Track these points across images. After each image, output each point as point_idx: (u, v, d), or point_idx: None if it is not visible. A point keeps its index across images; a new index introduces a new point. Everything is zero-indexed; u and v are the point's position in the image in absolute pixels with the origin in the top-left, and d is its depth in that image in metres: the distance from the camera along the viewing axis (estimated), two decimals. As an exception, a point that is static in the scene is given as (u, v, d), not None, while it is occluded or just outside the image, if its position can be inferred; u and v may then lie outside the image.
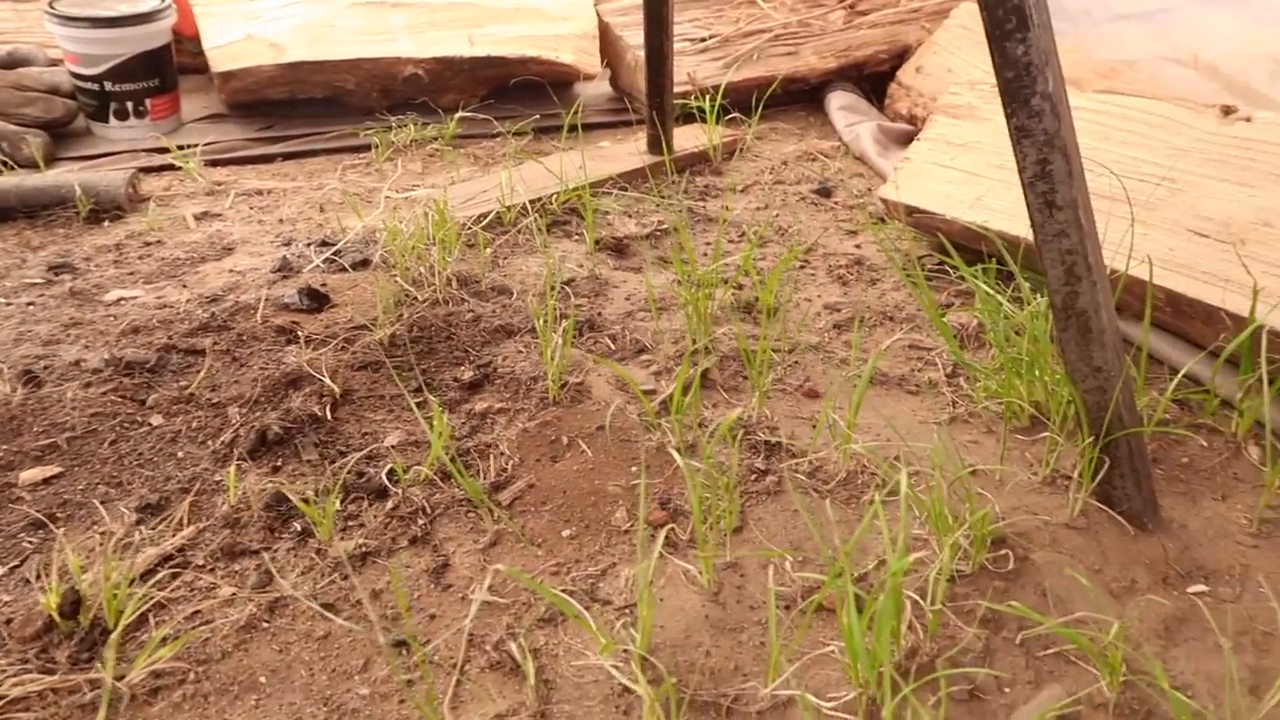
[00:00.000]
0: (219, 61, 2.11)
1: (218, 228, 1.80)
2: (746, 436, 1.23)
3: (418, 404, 1.28)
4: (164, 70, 2.15)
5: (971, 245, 1.58)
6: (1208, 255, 1.29)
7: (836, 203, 1.98)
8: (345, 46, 2.17)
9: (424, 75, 2.20)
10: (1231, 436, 1.23)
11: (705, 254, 1.74)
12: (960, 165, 1.66)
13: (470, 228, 1.74)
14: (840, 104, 2.33)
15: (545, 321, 1.40)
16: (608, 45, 2.38)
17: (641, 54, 2.33)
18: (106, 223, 1.80)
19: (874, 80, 2.47)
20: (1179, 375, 1.22)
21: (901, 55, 2.43)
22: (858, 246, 1.80)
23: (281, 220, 1.84)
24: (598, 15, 2.38)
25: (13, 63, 2.20)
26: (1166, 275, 1.31)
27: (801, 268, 1.72)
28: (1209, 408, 1.24)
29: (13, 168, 1.95)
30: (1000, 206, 1.56)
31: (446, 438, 1.18)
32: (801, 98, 2.44)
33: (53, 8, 2.07)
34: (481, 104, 2.33)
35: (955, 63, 2.29)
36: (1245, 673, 0.89)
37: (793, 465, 1.18)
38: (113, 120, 2.13)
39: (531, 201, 1.80)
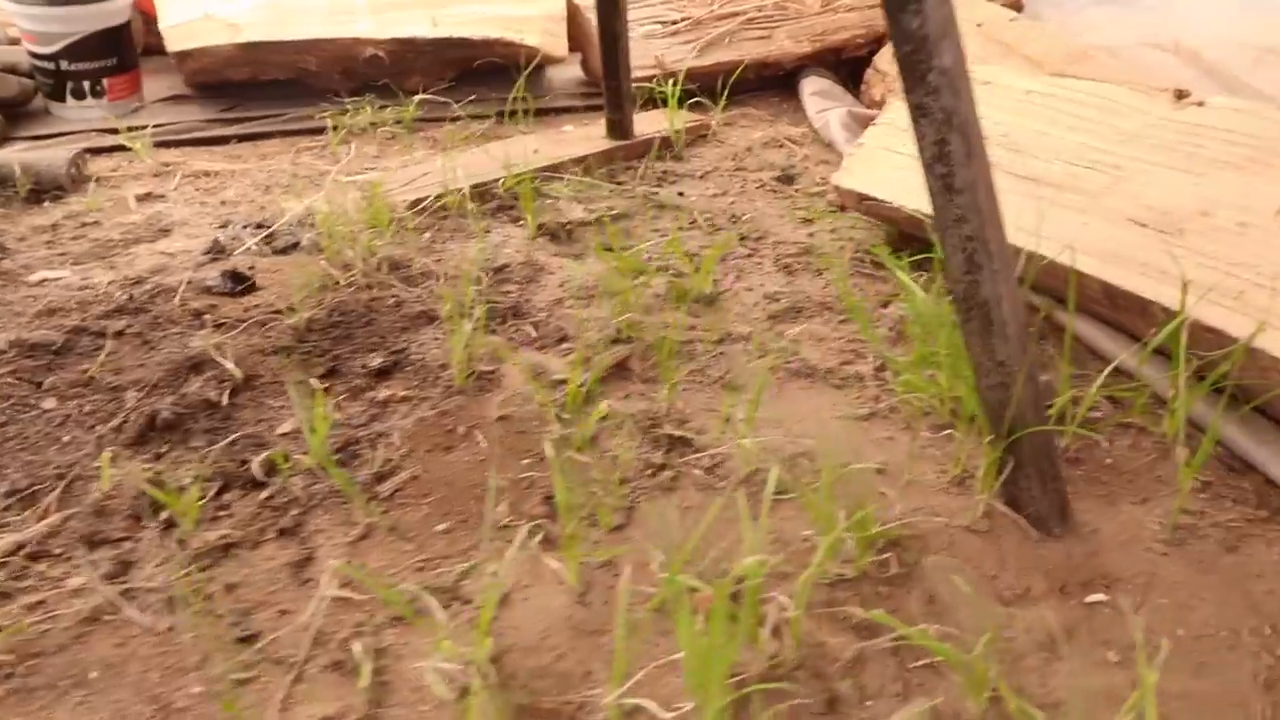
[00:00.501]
0: (174, 41, 2.09)
1: (158, 209, 1.78)
2: (652, 429, 1.18)
3: (322, 390, 1.25)
4: (122, 49, 2.13)
5: (921, 234, 1.52)
6: (1146, 246, 1.22)
7: (797, 190, 1.92)
8: (304, 27, 2.14)
9: (384, 56, 2.16)
10: (1161, 437, 1.17)
11: (652, 241, 1.70)
12: (910, 150, 1.58)
13: (408, 211, 1.70)
14: (813, 89, 2.27)
15: (458, 308, 1.36)
16: (577, 28, 2.33)
17: (610, 36, 2.29)
18: (47, 203, 1.78)
19: (852, 65, 2.41)
20: (1105, 371, 1.16)
21: (880, 40, 2.36)
22: (811, 235, 1.74)
23: (224, 202, 1.81)
24: (567, -3, 2.34)
25: (-28, 41, 2.19)
26: (1104, 267, 1.25)
27: (749, 256, 1.67)
28: (1137, 405, 1.18)
29: (-37, 147, 1.94)
30: (946, 194, 1.49)
31: (329, 427, 1.14)
32: (776, 83, 2.38)
33: (10, -14, 2.05)
34: (449, 87, 2.29)
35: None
36: (1128, 689, 0.83)
37: (693, 460, 1.13)
38: (70, 100, 2.11)
39: (475, 186, 1.76)
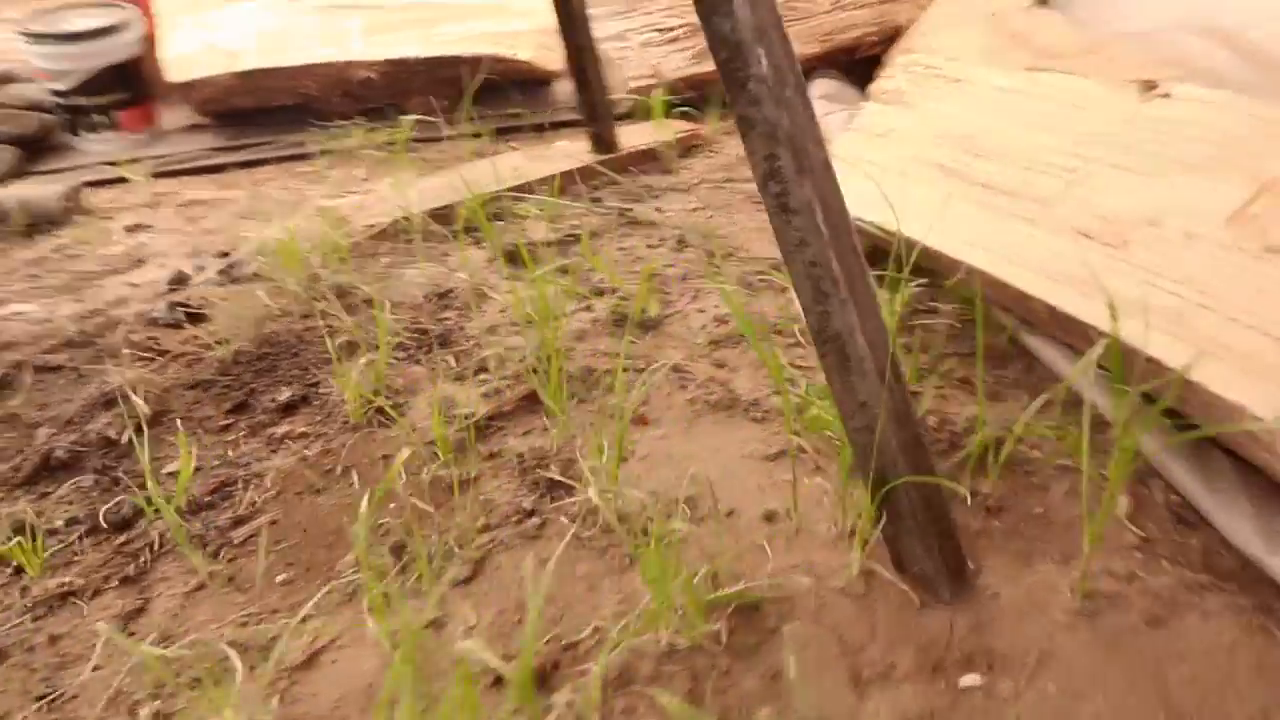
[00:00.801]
0: (176, 71, 2.14)
1: (142, 239, 1.81)
2: (535, 469, 1.12)
3: (223, 426, 1.23)
4: (133, 82, 2.19)
5: (889, 250, 1.41)
6: (1090, 260, 1.08)
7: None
8: (298, 52, 2.15)
9: (376, 78, 2.16)
10: (1102, 480, 1.03)
11: (615, 261, 1.63)
12: (874, 158, 1.48)
13: (367, 237, 1.68)
14: (821, 92, 2.15)
15: (364, 341, 1.32)
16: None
17: (608, 48, 2.23)
18: (39, 236, 1.84)
19: (868, 65, 2.27)
20: (1032, 407, 1.03)
21: (894, 37, 2.21)
22: (784, 249, 1.64)
23: (207, 231, 1.83)
24: (565, 8, 2.28)
25: (1, 81, 2.29)
26: (1046, 285, 1.11)
27: (711, 275, 1.58)
28: (1069, 442, 1.04)
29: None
30: (904, 204, 1.37)
31: (213, 465, 1.12)
32: (788, 85, 2.27)
33: (26, 28, 2.13)
34: (453, 105, 2.27)
35: (943, 42, 2.07)
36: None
37: (565, 506, 1.06)
38: (84, 133, 2.19)
39: (438, 209, 1.73)
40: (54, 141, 2.24)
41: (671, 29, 2.22)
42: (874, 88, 1.66)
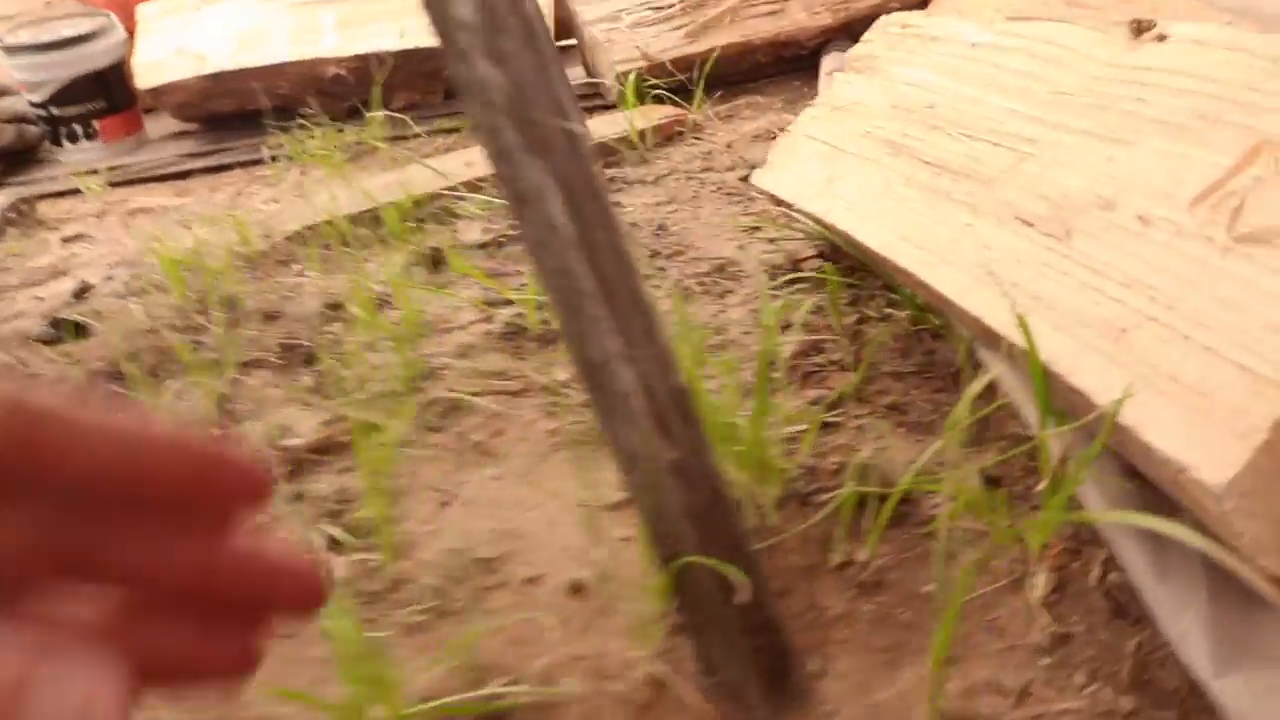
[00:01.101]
0: (144, 77, 2.05)
1: (75, 250, 1.72)
2: (333, 517, 0.92)
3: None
4: (112, 91, 2.12)
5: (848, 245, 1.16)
6: (1024, 257, 0.81)
7: (761, 192, 1.57)
8: (267, 51, 2.03)
9: (347, 74, 2.02)
10: (1020, 554, 0.76)
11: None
12: (827, 135, 1.23)
13: (285, 241, 1.53)
14: (832, 67, 1.89)
15: (208, 358, 1.16)
16: (563, 23, 2.09)
17: (596, 30, 2.03)
18: (-19, 248, 1.77)
19: (895, 35, 1.99)
20: (929, 451, 0.77)
21: (921, 4, 1.93)
22: (741, 248, 1.40)
23: (138, 241, 1.72)
24: (556, -10, 2.10)
25: (-8, 94, 2.26)
26: (974, 293, 0.85)
27: (648, 277, 1.35)
28: (968, 499, 0.77)
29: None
30: (846, 191, 1.12)
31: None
32: (799, 64, 2.02)
33: (3, 40, 2.09)
34: (445, 101, 2.13)
35: (969, 4, 1.78)
36: None
37: (354, 561, 0.86)
38: (65, 144, 2.13)
39: (361, 212, 1.56)
40: (39, 153, 2.19)
41: (667, 5, 2.00)
42: (850, 53, 1.40)
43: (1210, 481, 0.58)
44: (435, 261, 1.46)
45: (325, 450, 1.04)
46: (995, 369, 0.93)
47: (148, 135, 2.22)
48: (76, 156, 2.12)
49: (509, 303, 1.30)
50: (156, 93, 2.07)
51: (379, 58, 2.01)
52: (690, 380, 0.65)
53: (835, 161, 1.18)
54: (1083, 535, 0.76)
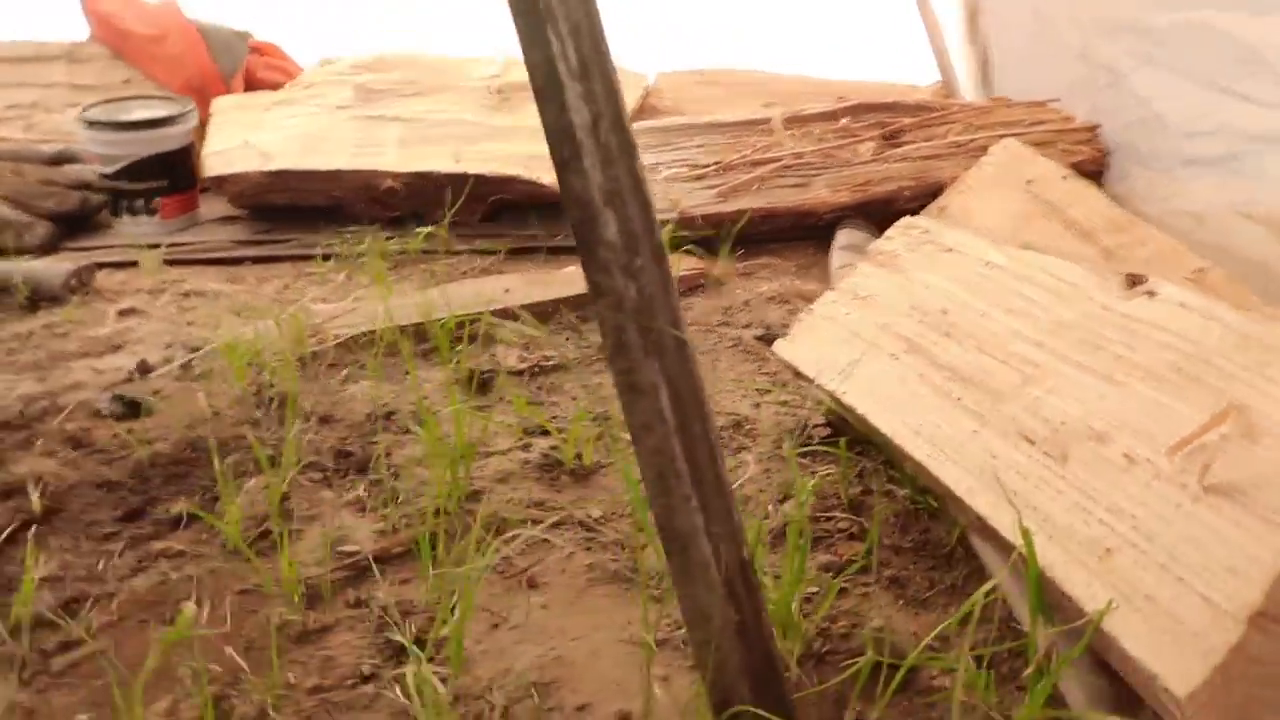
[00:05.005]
0: (212, 166, 2.20)
1: (130, 324, 1.83)
2: (394, 627, 1.02)
3: (108, 535, 1.19)
4: (176, 172, 2.26)
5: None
6: (1025, 471, 0.96)
7: (781, 361, 1.72)
8: (330, 157, 2.19)
9: (400, 188, 2.18)
10: (1008, 730, 0.88)
11: (575, 398, 1.56)
12: (848, 322, 1.39)
13: (335, 346, 1.65)
14: (844, 242, 2.07)
15: (268, 461, 1.26)
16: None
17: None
18: (40, 312, 1.87)
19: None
20: (934, 632, 0.89)
21: (934, 193, 2.13)
22: (756, 406, 1.54)
23: (191, 323, 1.84)
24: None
25: (59, 159, 2.40)
26: (978, 490, 0.99)
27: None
28: (964, 680, 0.89)
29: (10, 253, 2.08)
30: (864, 376, 1.27)
31: (70, 578, 1.06)
32: (815, 233, 2.20)
33: (84, 114, 2.24)
34: (482, 222, 2.28)
35: (977, 204, 1.99)
36: None
37: (401, 675, 0.95)
38: (124, 216, 2.26)
39: (406, 325, 1.69)
40: (97, 221, 2.31)
41: (702, 166, 2.19)
42: (873, 247, 1.57)
43: (1177, 691, 0.71)
44: (479, 384, 1.59)
45: (382, 559, 1.14)
46: (987, 560, 1.07)
47: (201, 216, 2.35)
48: (134, 229, 2.25)
49: (545, 433, 1.43)
50: (219, 180, 2.21)
51: (432, 178, 2.18)
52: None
53: (853, 347, 1.33)
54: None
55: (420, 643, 0.99)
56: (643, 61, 2.73)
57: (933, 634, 0.88)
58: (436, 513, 1.20)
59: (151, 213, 2.26)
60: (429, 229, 2.11)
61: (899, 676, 0.88)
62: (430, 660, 0.96)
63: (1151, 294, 1.06)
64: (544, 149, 2.51)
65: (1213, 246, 1.77)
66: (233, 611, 1.05)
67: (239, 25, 2.76)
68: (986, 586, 0.82)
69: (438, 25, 3.04)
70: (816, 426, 1.44)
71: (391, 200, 2.21)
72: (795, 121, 2.32)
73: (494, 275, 1.99)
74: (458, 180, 2.19)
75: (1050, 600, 0.87)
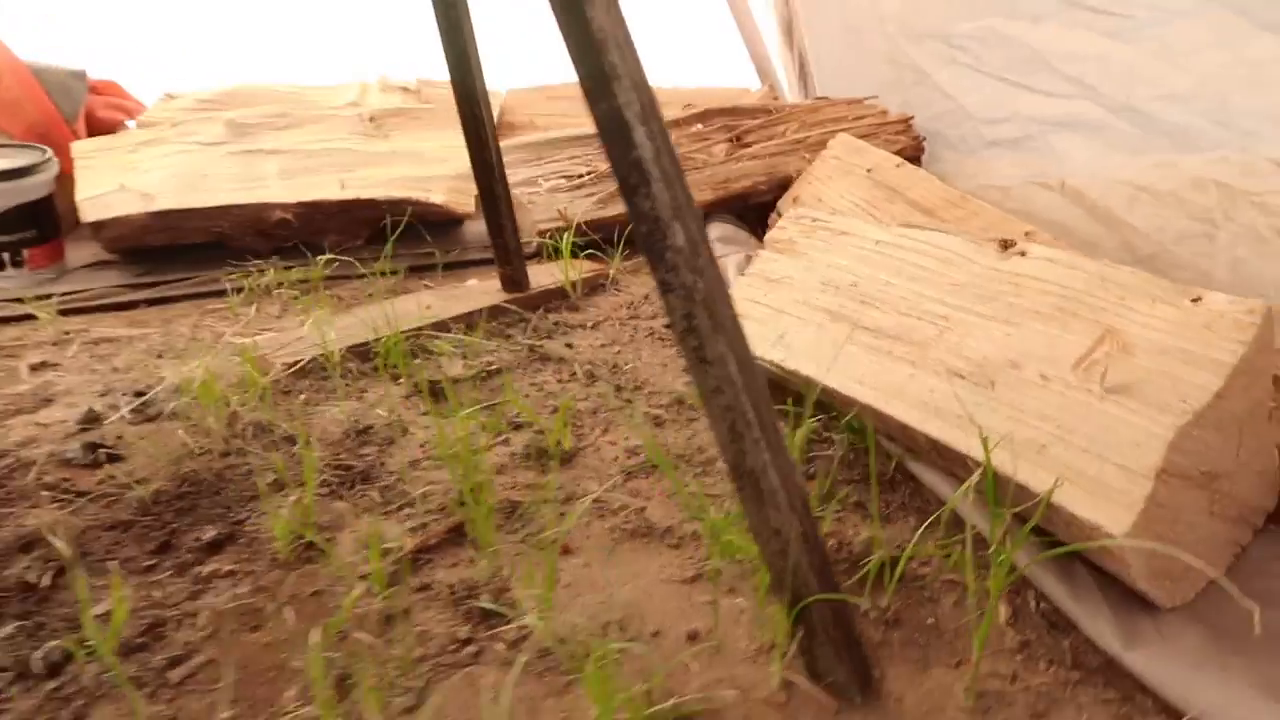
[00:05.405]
0: (89, 212, 2.17)
1: (49, 378, 1.81)
2: (467, 600, 1.17)
3: (148, 567, 1.25)
4: (42, 221, 2.21)
5: (789, 385, 1.54)
6: (965, 398, 1.23)
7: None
8: (215, 194, 2.21)
9: (293, 219, 2.23)
10: (985, 592, 1.14)
11: (527, 395, 1.72)
12: (770, 301, 1.63)
13: (285, 374, 1.73)
14: (717, 235, 2.33)
15: (289, 477, 1.36)
16: (485, 184, 2.41)
17: (518, 193, 2.37)
18: (-59, 375, 1.81)
19: (761, 209, 2.48)
20: (922, 526, 1.15)
21: (783, 185, 2.43)
22: (688, 384, 1.76)
23: (115, 369, 1.84)
24: (476, 155, 2.43)
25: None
26: (927, 420, 1.25)
27: (620, 408, 1.68)
28: (956, 558, 1.16)
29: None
30: (799, 344, 1.52)
31: (143, 606, 1.13)
32: (684, 229, 2.44)
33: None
34: (366, 244, 2.36)
35: (827, 192, 2.29)
36: None
37: (500, 633, 1.11)
38: (-9, 271, 2.18)
39: (353, 346, 1.79)
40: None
41: (578, 176, 2.38)
42: (769, 237, 1.82)
43: (1115, 532, 0.99)
44: (433, 392, 1.72)
45: (425, 551, 1.27)
46: (925, 479, 1.34)
47: (68, 264, 2.31)
48: (3, 283, 2.18)
49: (517, 427, 1.59)
50: (98, 225, 2.18)
51: (323, 206, 2.25)
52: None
53: (781, 322, 1.58)
54: (1019, 583, 1.15)
55: (493, 611, 1.14)
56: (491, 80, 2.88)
57: (917, 534, 1.13)
58: (461, 503, 1.35)
59: (19, 264, 2.20)
60: (329, 255, 2.19)
61: (900, 567, 1.13)
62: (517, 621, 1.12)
63: (1023, 254, 1.36)
64: (430, 171, 2.80)
65: (1020, 213, 2.16)
66: (313, 611, 1.15)
67: (69, 64, 2.68)
68: (959, 491, 1.07)
69: (272, 54, 3.06)
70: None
71: (283, 231, 2.26)
72: (653, 130, 2.55)
73: (405, 294, 2.10)
74: (350, 207, 2.27)
75: (1001, 493, 1.14)
